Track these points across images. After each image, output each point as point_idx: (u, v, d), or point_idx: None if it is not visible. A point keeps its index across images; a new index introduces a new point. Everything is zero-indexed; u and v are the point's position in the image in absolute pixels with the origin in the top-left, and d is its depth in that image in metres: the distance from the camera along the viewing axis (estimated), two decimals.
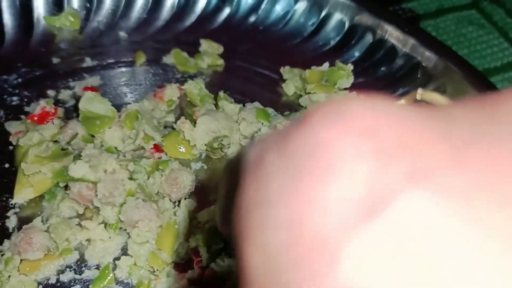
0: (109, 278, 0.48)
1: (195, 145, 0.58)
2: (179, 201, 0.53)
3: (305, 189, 0.15)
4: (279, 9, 0.76)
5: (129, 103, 0.61)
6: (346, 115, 0.16)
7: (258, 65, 0.71)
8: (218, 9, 0.76)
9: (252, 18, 0.76)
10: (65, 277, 0.48)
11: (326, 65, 0.64)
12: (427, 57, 0.70)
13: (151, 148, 0.55)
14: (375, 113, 0.15)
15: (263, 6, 0.75)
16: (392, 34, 0.72)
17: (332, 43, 0.74)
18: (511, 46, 0.89)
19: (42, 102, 0.58)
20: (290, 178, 0.16)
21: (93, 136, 0.56)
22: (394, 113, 0.15)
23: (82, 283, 0.48)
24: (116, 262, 0.49)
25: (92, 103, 0.56)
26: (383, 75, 0.71)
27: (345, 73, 0.62)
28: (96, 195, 0.50)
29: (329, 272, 0.14)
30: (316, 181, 0.15)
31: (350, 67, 0.63)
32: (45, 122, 0.57)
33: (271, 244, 0.15)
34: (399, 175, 0.14)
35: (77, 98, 0.61)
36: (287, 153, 0.16)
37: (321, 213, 0.15)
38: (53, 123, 0.57)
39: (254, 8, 0.76)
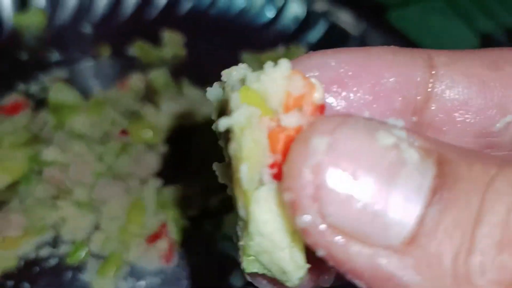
0: (84, 251, 0.52)
1: (160, 128, 0.62)
2: (147, 180, 0.57)
3: None
4: (239, 1, 0.81)
5: (96, 93, 0.65)
6: None
7: (220, 53, 0.76)
8: (180, 1, 0.80)
9: (213, 10, 0.80)
10: (44, 252, 0.52)
11: (281, 48, 0.69)
12: (377, 40, 0.75)
13: (118, 133, 0.59)
14: None
15: None
16: (345, 20, 0.78)
17: (290, 30, 0.79)
18: (474, 36, 0.93)
19: (14, 95, 0.62)
20: None
21: (62, 124, 0.60)
22: None
23: (59, 257, 0.52)
24: (90, 237, 0.53)
25: (61, 93, 0.60)
26: None
27: (298, 55, 0.67)
28: (69, 177, 0.54)
29: None
30: None
31: (303, 49, 0.68)
32: (17, 113, 0.60)
33: None
34: None
35: (47, 90, 0.64)
36: None
37: None
38: (24, 114, 0.60)
39: (215, 0, 0.80)
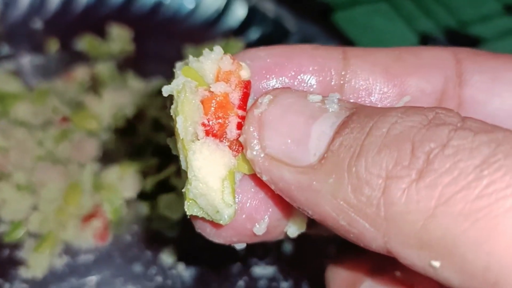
0: (22, 231, 0.55)
1: (102, 118, 0.65)
2: (85, 165, 0.60)
3: None
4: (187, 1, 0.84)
5: (42, 84, 0.68)
6: None
7: (167, 48, 0.79)
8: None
9: (162, 8, 0.84)
10: None
11: (220, 42, 0.73)
12: (317, 39, 0.80)
13: (59, 120, 0.62)
14: None
15: None
16: (286, 18, 0.82)
17: (233, 27, 0.83)
18: (414, 36, 0.97)
19: None
20: None
21: (7, 112, 0.63)
22: None
23: None
24: (28, 217, 0.56)
25: (5, 83, 0.63)
26: None
27: (238, 49, 0.71)
28: (9, 161, 0.57)
29: None
30: None
31: (241, 44, 0.72)
32: None
33: None
34: None
35: None
36: None
37: None
38: None
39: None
